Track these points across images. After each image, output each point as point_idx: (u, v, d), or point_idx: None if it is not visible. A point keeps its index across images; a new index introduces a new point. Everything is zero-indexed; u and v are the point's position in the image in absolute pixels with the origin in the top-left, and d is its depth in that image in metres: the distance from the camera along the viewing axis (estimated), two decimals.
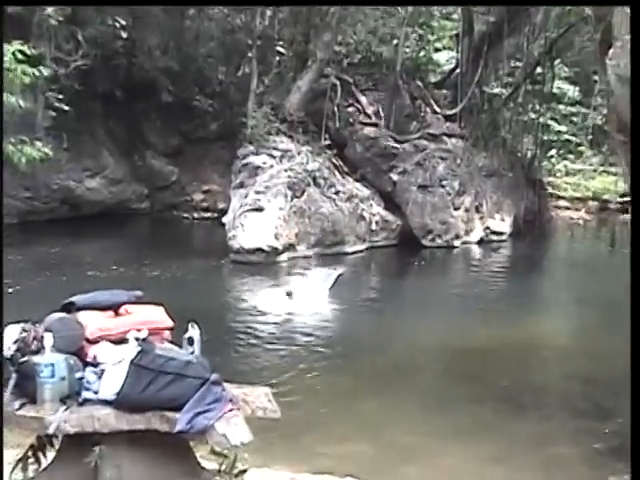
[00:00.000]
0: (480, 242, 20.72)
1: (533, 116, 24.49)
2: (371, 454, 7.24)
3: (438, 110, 21.71)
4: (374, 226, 19.49)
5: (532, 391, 9.28)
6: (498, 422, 8.08)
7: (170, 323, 4.60)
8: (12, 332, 4.13)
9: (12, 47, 11.06)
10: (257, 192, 17.52)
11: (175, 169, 23.21)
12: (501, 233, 21.37)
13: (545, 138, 25.99)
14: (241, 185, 18.16)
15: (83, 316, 4.45)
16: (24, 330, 4.15)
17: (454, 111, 21.65)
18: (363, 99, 21.04)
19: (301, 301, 12.99)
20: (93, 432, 3.99)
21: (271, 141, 18.81)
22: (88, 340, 4.33)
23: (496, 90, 24.31)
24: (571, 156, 29.49)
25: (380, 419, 8.06)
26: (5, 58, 10.88)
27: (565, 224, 24.67)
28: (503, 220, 21.42)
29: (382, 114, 20.98)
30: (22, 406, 3.98)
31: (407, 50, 22.45)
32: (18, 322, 4.20)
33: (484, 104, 22.94)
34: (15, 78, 11.15)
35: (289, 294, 12.94)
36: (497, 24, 22.07)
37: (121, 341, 4.34)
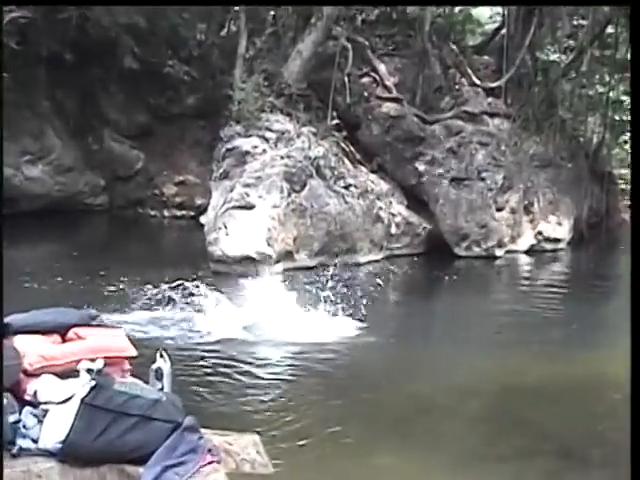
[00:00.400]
0: (530, 251, 20.71)
1: (601, 90, 24.46)
2: None
3: (477, 82, 21.74)
4: (394, 230, 19.49)
5: (597, 444, 9.21)
6: None
7: (132, 351, 4.59)
8: None
9: None
10: (245, 185, 17.52)
11: (141, 154, 23.25)
12: (557, 240, 21.37)
13: (616, 118, 25.91)
14: (225, 175, 18.16)
15: (21, 341, 4.43)
16: None
17: (498, 83, 21.67)
18: (381, 67, 21.06)
19: (298, 326, 12.94)
20: None
21: (264, 120, 18.82)
22: (27, 372, 4.31)
23: (553, 57, 24.30)
24: None
25: (403, 477, 8.00)
26: None
27: None
28: (560, 224, 21.43)
29: (406, 87, 20.99)
30: None
31: (438, 5, 22.41)
32: None
33: (537, 74, 22.95)
34: None
35: None
36: None
37: (69, 374, 4.32)
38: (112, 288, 14.91)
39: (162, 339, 11.26)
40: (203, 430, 4.14)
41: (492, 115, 21.33)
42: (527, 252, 20.70)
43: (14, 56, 18.73)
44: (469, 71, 21.78)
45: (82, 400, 4.09)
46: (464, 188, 20.01)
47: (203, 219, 18.52)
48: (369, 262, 18.78)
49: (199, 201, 22.12)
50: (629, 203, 25.39)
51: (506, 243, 20.29)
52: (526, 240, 20.81)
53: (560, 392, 10.66)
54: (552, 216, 21.27)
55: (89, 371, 4.26)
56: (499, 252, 20.08)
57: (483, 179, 20.16)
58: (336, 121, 19.81)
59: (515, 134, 21.14)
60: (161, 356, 4.65)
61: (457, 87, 21.61)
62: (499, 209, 20.21)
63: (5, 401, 4.11)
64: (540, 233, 21.04)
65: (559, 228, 21.39)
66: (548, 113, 22.15)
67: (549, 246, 21.14)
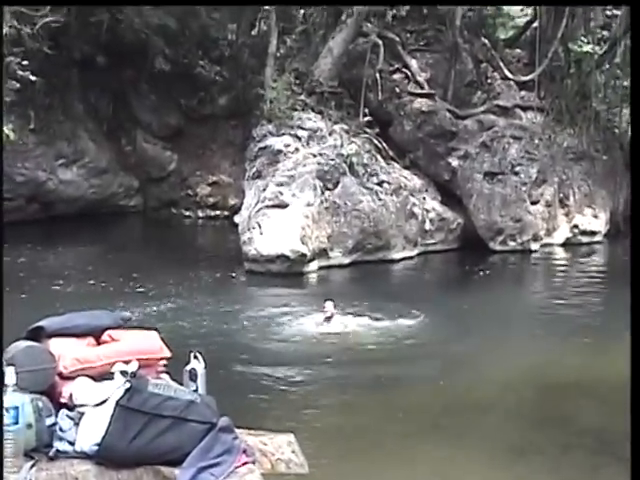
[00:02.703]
0: (566, 245, 20.56)
1: None
2: None
3: (510, 76, 21.62)
4: (428, 225, 19.43)
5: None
6: (592, 478, 7.97)
7: (166, 353, 4.58)
8: None
9: None
10: (279, 184, 17.54)
11: (174, 155, 23.34)
12: (594, 233, 21.19)
13: None
14: (258, 175, 18.19)
15: (55, 344, 4.44)
16: None
17: (531, 77, 21.53)
18: (413, 63, 20.99)
19: (336, 322, 12.96)
20: None
21: (295, 118, 18.83)
22: (62, 375, 4.32)
23: (586, 48, 24.03)
24: None
25: (440, 471, 7.99)
26: None
27: None
28: (596, 217, 21.25)
29: (437, 82, 20.91)
30: None
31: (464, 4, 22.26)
32: None
33: (570, 66, 22.76)
34: None
35: (328, 318, 12.90)
36: None
37: (104, 376, 4.33)
38: (143, 289, 14.99)
39: None
40: (238, 430, 4.13)
41: (525, 109, 21.21)
42: (563, 245, 20.56)
43: (47, 60, 18.86)
44: (501, 65, 21.65)
45: (117, 402, 4.09)
46: (498, 182, 19.90)
47: (237, 219, 18.57)
48: (403, 259, 18.73)
49: (232, 201, 22.18)
50: None
51: (542, 237, 20.15)
52: (562, 233, 20.66)
53: (599, 386, 10.58)
54: (588, 209, 21.10)
55: (123, 373, 4.26)
56: (535, 246, 19.94)
57: (517, 173, 20.03)
58: (368, 118, 19.78)
59: (548, 127, 21.00)
60: (195, 357, 4.64)
61: (489, 81, 21.50)
62: (534, 203, 20.07)
63: (41, 404, 4.13)
64: (576, 226, 20.88)
65: (595, 221, 21.21)
66: (582, 105, 21.97)
67: (585, 239, 20.97)
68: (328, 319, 12.83)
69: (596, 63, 23.10)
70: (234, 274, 16.77)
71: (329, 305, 12.91)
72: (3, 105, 10.75)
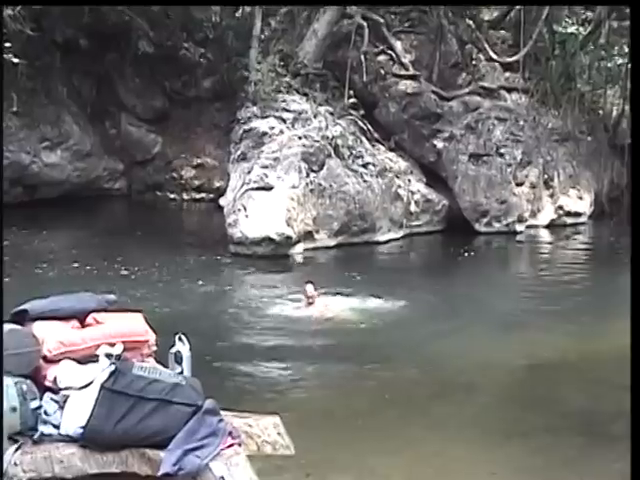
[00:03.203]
0: (551, 226, 20.62)
1: (620, 62, 24.20)
2: None
3: (494, 57, 21.60)
4: (413, 207, 19.45)
5: (624, 418, 9.15)
6: (579, 458, 8.00)
7: (151, 336, 4.57)
8: None
9: None
10: (263, 166, 17.50)
11: (158, 138, 23.24)
12: (578, 214, 21.24)
13: None
14: (243, 157, 18.15)
15: (39, 328, 4.42)
16: None
17: (515, 58, 21.52)
18: (397, 45, 20.96)
19: (322, 305, 12.95)
20: (52, 478, 3.96)
21: (280, 100, 18.79)
22: (46, 359, 4.31)
23: (571, 29, 24.05)
24: None
25: (429, 453, 8.00)
26: None
27: None
28: (581, 198, 21.31)
29: (422, 64, 20.88)
30: None
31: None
32: None
33: (554, 48, 22.75)
34: None
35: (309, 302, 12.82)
36: None
37: (89, 359, 4.31)
38: (127, 272, 14.95)
39: None
40: (223, 412, 4.12)
41: (510, 90, 21.21)
42: (548, 227, 20.61)
43: (30, 43, 18.71)
44: (486, 46, 21.63)
45: (102, 385, 4.08)
46: (483, 164, 19.92)
47: (222, 201, 18.52)
48: (389, 241, 18.75)
49: (218, 183, 22.12)
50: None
51: (526, 218, 20.19)
52: (547, 215, 20.71)
53: (585, 367, 10.63)
54: (572, 190, 21.15)
55: (108, 356, 4.25)
56: (520, 227, 19.98)
57: (502, 155, 20.05)
58: (353, 100, 19.75)
59: (533, 109, 21.01)
60: (180, 340, 4.63)
61: (474, 63, 21.49)
62: (519, 184, 20.11)
63: (25, 387, 4.11)
64: (561, 207, 20.92)
65: (580, 202, 21.26)
66: (566, 87, 21.98)
67: (570, 220, 21.03)
68: (309, 303, 12.78)
69: (580, 44, 23.10)
70: (219, 257, 16.74)
71: (309, 288, 12.82)
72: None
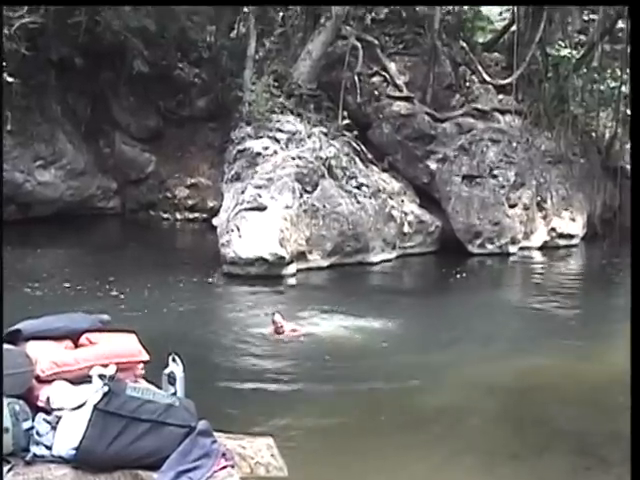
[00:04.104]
0: (544, 248, 20.65)
1: (613, 85, 24.33)
2: None
3: (488, 79, 21.70)
4: (407, 228, 19.46)
5: (617, 441, 9.15)
6: (571, 479, 8.00)
7: (145, 356, 4.57)
8: None
9: None
10: (257, 186, 17.51)
11: (152, 157, 23.26)
12: (571, 236, 21.29)
13: (629, 113, 25.79)
14: (236, 177, 18.17)
15: (33, 348, 4.42)
16: None
17: (509, 80, 21.62)
18: (392, 66, 21.04)
19: (315, 326, 12.94)
20: None
21: (274, 121, 18.83)
22: (39, 379, 4.30)
23: (564, 52, 24.16)
24: None
25: (422, 474, 7.97)
26: None
27: None
28: (573, 220, 21.36)
29: (416, 85, 20.96)
30: None
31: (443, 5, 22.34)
32: None
33: (548, 70, 22.86)
34: None
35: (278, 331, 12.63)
36: None
37: (82, 380, 4.30)
38: (120, 292, 14.89)
39: None
40: (216, 434, 4.11)
41: (503, 112, 21.30)
42: (541, 248, 20.64)
43: (25, 61, 18.75)
44: (479, 68, 21.73)
45: (95, 406, 4.07)
46: (476, 185, 19.97)
47: (215, 221, 18.53)
48: (382, 261, 18.75)
49: (211, 203, 22.14)
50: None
51: (519, 240, 20.23)
52: (539, 236, 20.75)
53: (578, 389, 10.61)
54: (565, 212, 21.20)
55: (101, 377, 4.24)
56: (513, 249, 20.01)
57: (495, 176, 20.11)
58: (347, 121, 19.80)
59: (526, 130, 21.09)
60: (174, 360, 4.62)
61: (467, 84, 21.57)
62: (512, 206, 20.16)
63: (18, 408, 4.10)
64: (553, 229, 20.97)
65: (572, 224, 21.31)
66: (559, 109, 22.08)
67: (563, 242, 21.07)
68: (278, 332, 12.61)
69: (573, 67, 23.23)
70: (213, 277, 16.72)
71: (277, 317, 12.60)
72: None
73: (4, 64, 17.40)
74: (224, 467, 4.00)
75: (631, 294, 4.31)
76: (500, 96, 21.63)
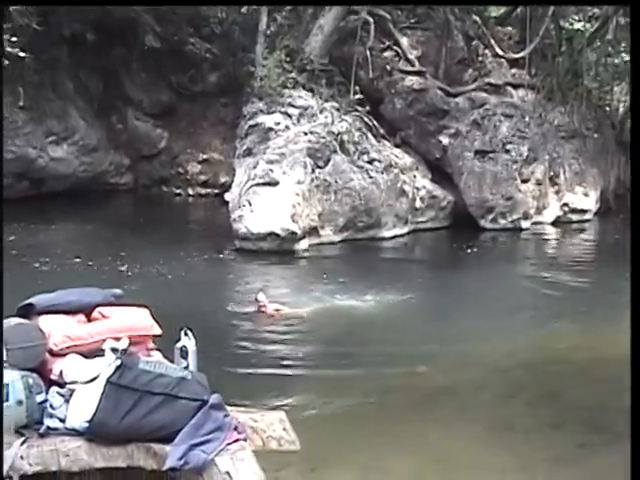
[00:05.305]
0: (556, 223, 20.58)
1: (627, 58, 24.15)
2: None
3: (501, 53, 21.56)
4: (419, 203, 19.43)
5: (626, 416, 9.17)
6: (584, 455, 8.00)
7: (157, 330, 4.56)
8: None
9: None
10: (269, 161, 17.50)
11: (164, 133, 23.27)
12: (584, 211, 21.21)
13: None
14: (248, 152, 18.15)
15: (46, 322, 4.42)
16: None
17: (522, 54, 21.48)
18: (404, 41, 20.92)
19: (327, 300, 12.96)
20: (59, 471, 3.96)
21: (286, 96, 18.78)
22: (52, 352, 4.31)
23: (578, 25, 24.01)
24: None
25: (434, 449, 8.00)
26: None
27: None
28: (587, 195, 21.27)
29: (428, 59, 20.86)
30: None
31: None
32: None
33: (561, 44, 22.72)
34: None
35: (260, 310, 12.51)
36: None
37: (95, 353, 4.31)
38: (132, 267, 14.92)
39: None
40: (229, 408, 4.12)
41: (516, 86, 21.17)
42: (553, 224, 20.58)
43: (37, 37, 18.73)
44: (492, 42, 21.59)
45: (108, 379, 4.08)
46: (489, 160, 19.89)
47: (227, 196, 18.53)
48: (394, 237, 18.74)
49: (223, 179, 22.15)
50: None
51: (532, 215, 20.16)
52: (552, 211, 20.68)
53: (589, 363, 10.61)
54: (578, 187, 21.11)
55: (114, 350, 4.25)
56: (525, 224, 19.95)
57: (508, 151, 20.02)
58: (359, 96, 19.72)
59: (540, 105, 20.97)
60: (186, 334, 4.63)
61: (480, 59, 21.44)
62: (524, 181, 20.08)
63: (31, 381, 4.11)
64: (566, 204, 20.89)
65: (585, 199, 21.23)
66: (573, 83, 21.93)
67: (575, 217, 20.99)
68: (260, 311, 12.44)
69: (587, 41, 23.06)
70: (224, 252, 16.74)
71: (260, 296, 12.50)
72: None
73: (15, 39, 17.39)
74: (236, 440, 4.01)
75: (631, 294, 4.27)
76: (513, 70, 21.49)
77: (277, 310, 12.47)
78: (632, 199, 5.38)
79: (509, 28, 23.27)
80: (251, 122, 18.49)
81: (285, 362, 10.55)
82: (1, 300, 4.47)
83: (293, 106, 18.67)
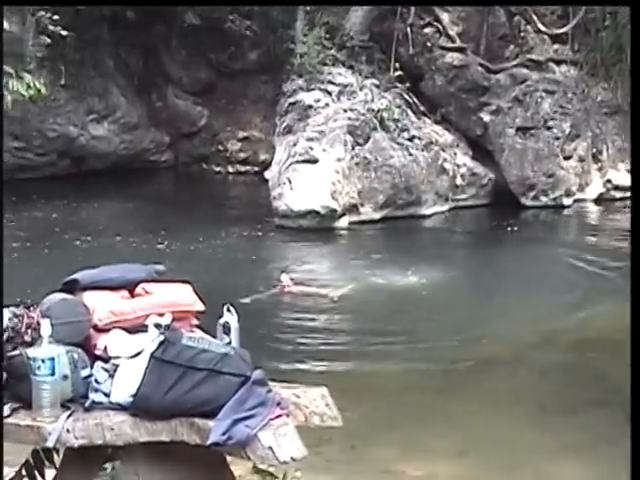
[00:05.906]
0: (599, 200, 20.39)
1: None
2: (462, 476, 7.18)
3: (543, 29, 21.31)
4: (459, 181, 19.34)
5: None
6: (625, 435, 7.94)
7: (200, 306, 4.57)
8: None
9: None
10: (309, 139, 17.50)
11: (204, 111, 23.31)
12: (627, 188, 20.96)
13: None
14: (288, 130, 18.15)
15: (90, 297, 4.45)
16: (15, 315, 4.16)
17: (564, 29, 21.23)
18: (444, 16, 20.76)
19: (368, 278, 12.97)
20: (104, 445, 4.00)
21: (326, 73, 18.74)
22: (97, 328, 4.33)
23: None
24: None
25: (474, 429, 7.99)
26: None
27: None
28: (630, 172, 21.02)
29: (469, 36, 20.70)
30: (13, 412, 3.99)
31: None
32: (8, 306, 4.20)
33: (605, 19, 22.40)
34: None
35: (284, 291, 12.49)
36: None
37: (138, 329, 4.34)
38: (173, 245, 15.02)
39: None
40: (271, 383, 4.14)
41: (558, 62, 20.93)
42: (596, 201, 20.37)
43: (78, 16, 18.85)
44: (534, 18, 21.33)
45: (151, 355, 4.09)
46: (530, 137, 19.72)
47: (267, 174, 18.57)
48: (434, 214, 18.68)
49: (263, 156, 22.16)
50: None
51: (574, 192, 19.97)
52: (595, 189, 20.47)
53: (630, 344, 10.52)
54: (621, 164, 20.84)
55: (157, 326, 4.26)
56: (567, 201, 19.78)
57: (550, 128, 19.83)
58: (399, 72, 19.62)
59: (582, 81, 20.73)
60: (228, 310, 4.63)
61: (522, 34, 21.21)
62: (566, 158, 19.88)
63: (76, 356, 4.14)
64: (609, 181, 20.66)
65: (629, 176, 20.97)
66: (617, 58, 21.60)
67: (619, 194, 20.73)
68: (285, 291, 12.51)
69: None
70: (264, 230, 16.80)
71: (284, 277, 12.56)
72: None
73: (56, 18, 17.49)
74: (279, 416, 4.01)
75: (631, 294, 4.24)
76: (555, 46, 21.25)
77: (302, 291, 12.46)
78: (632, 199, 5.32)
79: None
80: (291, 100, 18.49)
81: (326, 339, 10.59)
82: (1, 290, 4.49)
83: (333, 83, 18.64)
